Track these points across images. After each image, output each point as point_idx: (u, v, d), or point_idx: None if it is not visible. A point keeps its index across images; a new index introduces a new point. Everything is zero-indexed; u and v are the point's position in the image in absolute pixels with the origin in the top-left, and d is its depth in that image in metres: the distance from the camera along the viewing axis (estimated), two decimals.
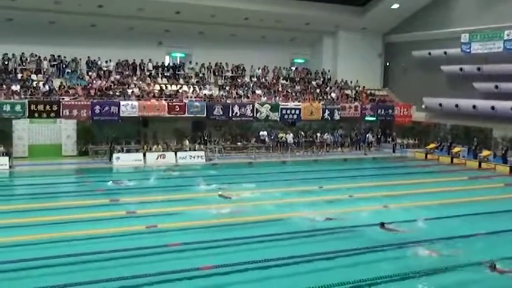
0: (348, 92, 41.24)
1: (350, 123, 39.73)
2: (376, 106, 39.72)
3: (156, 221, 17.37)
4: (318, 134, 37.62)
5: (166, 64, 39.30)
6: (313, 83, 42.02)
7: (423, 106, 39.24)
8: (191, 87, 36.80)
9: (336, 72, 43.18)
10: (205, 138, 34.90)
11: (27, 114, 30.26)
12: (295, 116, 36.92)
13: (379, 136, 40.27)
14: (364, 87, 42.23)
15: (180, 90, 35.81)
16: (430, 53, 38.94)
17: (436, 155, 35.87)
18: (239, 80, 39.74)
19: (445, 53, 37.62)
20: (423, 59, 39.86)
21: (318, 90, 40.50)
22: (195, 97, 35.36)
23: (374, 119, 39.77)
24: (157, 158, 31.60)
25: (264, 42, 41.02)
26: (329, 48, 43.68)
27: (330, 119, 37.84)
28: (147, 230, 16.54)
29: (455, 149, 34.70)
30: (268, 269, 13.15)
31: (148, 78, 36.78)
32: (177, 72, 38.60)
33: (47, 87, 32.38)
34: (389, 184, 25.83)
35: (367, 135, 38.70)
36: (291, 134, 36.57)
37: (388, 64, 44.90)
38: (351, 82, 42.40)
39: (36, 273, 12.55)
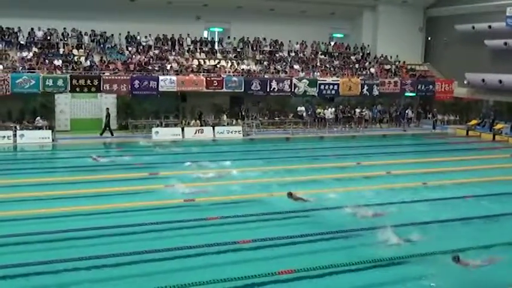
0: (388, 67, 40.57)
1: (389, 99, 39.18)
2: (417, 81, 38.99)
3: (193, 195, 17.57)
4: (357, 110, 37.22)
5: (204, 39, 39.34)
6: (352, 58, 41.47)
7: (465, 82, 38.35)
8: (229, 62, 36.80)
9: (375, 47, 42.46)
10: (243, 113, 34.98)
11: (69, 89, 30.83)
12: (333, 92, 36.60)
13: (419, 112, 39.61)
14: (404, 62, 41.48)
15: (218, 65, 35.86)
16: (473, 27, 37.84)
17: (477, 131, 35.13)
18: (277, 55, 39.51)
19: (490, 26, 36.47)
20: (466, 33, 38.78)
21: (356, 65, 39.98)
22: (233, 72, 35.38)
23: (414, 94, 39.09)
24: (196, 132, 31.87)
25: (303, 17, 40.54)
26: (369, 22, 42.89)
27: (368, 94, 37.39)
28: (185, 203, 16.75)
29: (498, 126, 33.92)
30: (311, 242, 13.23)
31: (186, 53, 36.94)
32: (215, 47, 38.62)
33: (88, 62, 32.87)
34: (428, 161, 25.49)
35: (407, 111, 38.07)
36: (329, 110, 36.29)
37: (429, 38, 43.89)
38: (391, 57, 41.67)
39: (80, 243, 12.89)
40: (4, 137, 28.32)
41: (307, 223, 14.95)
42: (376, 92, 37.43)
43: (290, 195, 16.64)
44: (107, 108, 31.37)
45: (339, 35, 44.79)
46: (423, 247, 12.79)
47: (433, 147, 30.75)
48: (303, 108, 36.47)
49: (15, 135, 28.61)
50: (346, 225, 14.55)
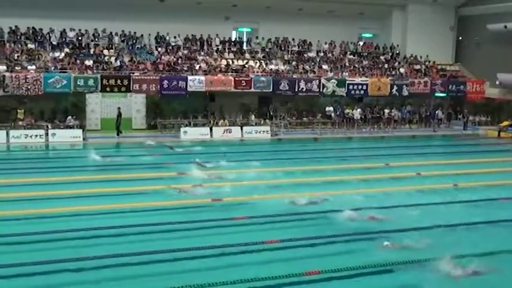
0: (418, 67, 40.13)
1: (419, 99, 38.73)
2: (447, 82, 38.48)
3: (221, 195, 17.62)
4: (386, 110, 36.91)
5: (233, 39, 39.48)
6: (381, 57, 41.13)
7: (497, 82, 37.69)
8: (257, 62, 36.85)
9: (405, 47, 42.03)
10: (271, 113, 34.99)
11: (100, 89, 31.28)
12: (362, 92, 36.37)
13: (449, 113, 39.06)
14: (434, 62, 40.99)
15: (247, 65, 35.94)
16: (505, 26, 37.12)
17: (509, 133, 34.46)
18: (305, 55, 39.43)
19: None
20: (498, 33, 38.08)
21: (386, 65, 39.64)
22: (261, 72, 35.42)
23: (444, 95, 38.59)
24: (224, 132, 32.00)
25: (331, 17, 40.37)
26: (398, 22, 42.47)
27: (398, 94, 37.05)
28: (212, 203, 16.82)
29: None
30: (336, 244, 13.17)
31: (215, 53, 37.11)
32: (243, 47, 38.72)
33: (118, 62, 33.29)
34: (459, 162, 25.12)
35: (437, 112, 37.58)
36: (358, 110, 36.06)
37: (460, 38, 43.25)
38: (421, 57, 41.21)
39: (110, 241, 13.04)
40: (37, 135, 28.88)
41: (332, 224, 14.85)
42: (405, 93, 37.07)
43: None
44: (118, 108, 31.58)
45: (367, 35, 44.47)
46: (452, 249, 12.59)
47: (464, 148, 30.30)
48: (331, 109, 36.33)
49: (47, 134, 29.13)
50: (371, 227, 14.43)
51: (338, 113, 36.17)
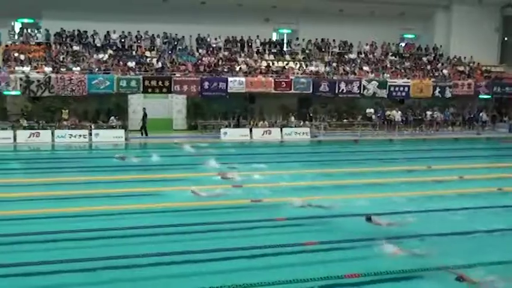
0: (461, 68, 39.38)
1: (462, 101, 38.05)
2: (492, 83, 37.66)
3: (261, 195, 17.63)
4: (428, 112, 36.38)
5: (273, 40, 39.53)
6: (424, 59, 40.56)
7: None
8: (297, 63, 36.82)
9: (448, 48, 41.35)
10: (311, 114, 34.89)
11: (142, 90, 31.80)
12: (403, 93, 35.95)
13: (494, 115, 38.17)
14: (478, 63, 40.14)
15: (287, 67, 35.95)
16: None
17: None
18: (346, 56, 39.19)
19: None
20: None
21: (428, 67, 39.06)
22: (301, 73, 35.36)
23: (489, 97, 37.81)
24: (263, 133, 32.07)
25: (373, 18, 40.05)
26: (442, 22, 41.81)
27: (440, 96, 36.48)
28: (253, 203, 16.83)
29: None
30: (372, 247, 13.00)
31: (255, 55, 37.24)
32: (283, 49, 38.73)
33: (159, 63, 33.76)
34: (504, 166, 24.47)
35: (481, 114, 36.82)
36: (399, 112, 35.64)
37: (506, 39, 42.23)
38: (465, 58, 40.44)
39: (156, 240, 13.20)
40: (80, 135, 29.55)
41: (371, 226, 14.65)
42: (448, 94, 36.45)
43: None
44: (144, 108, 31.92)
45: (410, 36, 43.93)
46: (497, 256, 12.29)
47: (510, 151, 29.52)
48: (372, 110, 36.00)
49: (90, 134, 29.78)
50: (413, 230, 14.19)
51: (379, 114, 35.81)
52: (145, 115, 31.73)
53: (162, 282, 11.02)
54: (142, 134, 31.36)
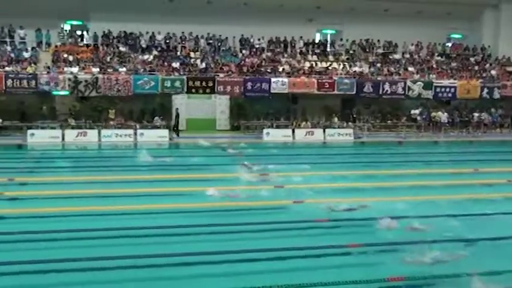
0: (510, 69, 38.36)
1: (511, 103, 36.98)
2: None
3: (303, 196, 17.58)
4: (475, 114, 35.59)
5: (316, 41, 39.38)
6: (471, 59, 39.71)
7: None
8: (341, 64, 36.58)
9: (496, 48, 40.37)
10: (354, 115, 34.60)
11: (186, 90, 32.20)
12: (450, 94, 35.31)
13: None
14: None
15: (330, 67, 35.76)
16: None
17: None
18: (391, 57, 38.72)
19: None
20: None
21: (476, 67, 38.19)
22: (344, 74, 35.12)
23: None
24: (306, 134, 31.98)
25: (418, 17, 39.40)
26: (490, 22, 40.83)
27: (488, 97, 35.67)
28: (294, 204, 16.79)
29: None
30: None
31: (298, 55, 37.20)
32: (327, 49, 38.54)
33: (203, 64, 34.11)
34: None
35: None
36: (445, 113, 34.96)
37: None
38: None
39: (199, 239, 13.34)
40: (126, 135, 30.11)
41: (415, 229, 14.42)
42: (497, 95, 35.60)
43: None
44: (176, 109, 32.15)
45: (456, 36, 43.06)
46: None
47: None
48: (416, 112, 35.44)
49: (135, 134, 30.31)
50: (458, 233, 13.90)
51: (424, 116, 35.22)
52: (177, 115, 32.09)
53: (212, 280, 11.11)
54: (177, 135, 31.73)
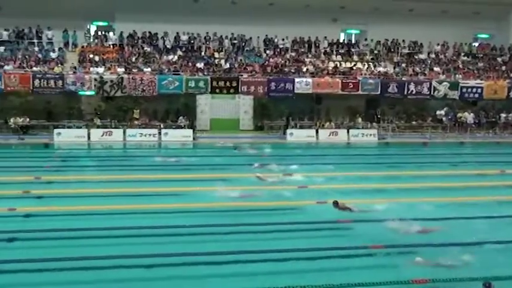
0: None
1: None
2: None
3: (326, 197, 17.49)
4: (502, 115, 35.03)
5: (341, 41, 39.22)
6: (498, 59, 39.11)
7: None
8: (365, 64, 36.36)
9: None
10: (379, 116, 34.36)
11: (209, 90, 32.34)
12: (476, 95, 34.82)
13: None
14: None
15: (354, 68, 35.56)
16: None
17: None
18: (416, 57, 38.36)
19: None
20: None
21: (503, 67, 37.59)
22: (369, 74, 34.90)
23: None
24: (330, 134, 31.87)
25: (444, 17, 38.94)
26: None
27: None
28: (318, 205, 16.73)
29: None
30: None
31: (322, 56, 37.08)
32: (351, 49, 38.34)
33: (227, 64, 34.21)
34: None
35: None
36: (471, 114, 34.49)
37: None
38: None
39: (227, 238, 13.38)
40: (150, 134, 30.36)
41: (438, 231, 14.26)
42: None
43: (336, 204, 15.29)
44: None
45: (483, 36, 42.44)
46: None
47: None
48: (442, 112, 35.02)
49: (159, 134, 30.54)
50: (482, 236, 13.71)
51: (450, 116, 34.80)
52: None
53: (240, 279, 11.15)
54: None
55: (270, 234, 13.87)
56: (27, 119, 31.18)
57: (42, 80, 31.30)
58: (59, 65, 32.97)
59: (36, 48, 34.63)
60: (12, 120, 30.92)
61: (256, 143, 30.17)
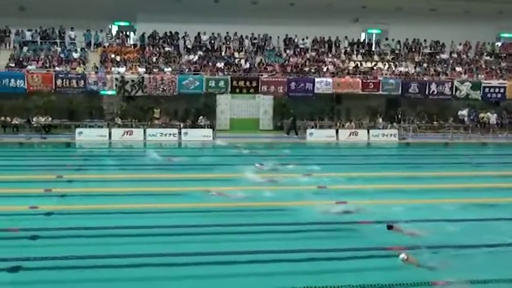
0: None
1: None
2: None
3: (345, 197, 17.43)
4: None
5: (361, 41, 39.02)
6: None
7: None
8: (386, 64, 36.12)
9: None
10: (399, 116, 34.12)
11: (230, 90, 32.41)
12: (499, 95, 34.40)
13: None
14: None
15: (375, 68, 35.35)
16: None
17: None
18: (437, 57, 37.99)
19: None
20: None
21: None
22: (390, 74, 34.67)
23: None
24: (350, 135, 31.72)
25: (467, 16, 38.45)
26: None
27: None
28: (337, 205, 16.66)
29: None
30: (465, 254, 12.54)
31: (343, 55, 36.91)
32: (372, 49, 38.13)
33: (247, 64, 34.24)
34: None
35: None
36: (494, 114, 34.04)
37: None
38: None
39: (243, 238, 13.43)
40: (170, 134, 30.52)
41: (459, 232, 14.10)
42: None
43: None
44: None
45: (506, 35, 41.82)
46: None
47: None
48: (464, 112, 34.61)
49: (180, 133, 30.68)
50: (502, 236, 13.53)
51: (472, 117, 34.40)
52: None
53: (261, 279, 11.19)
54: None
55: (290, 234, 13.89)
56: (50, 118, 31.57)
57: (64, 80, 31.67)
58: (81, 65, 33.31)
59: (59, 49, 35.03)
60: (35, 119, 31.35)
61: (275, 143, 30.22)
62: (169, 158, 24.59)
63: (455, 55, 38.51)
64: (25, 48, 34.56)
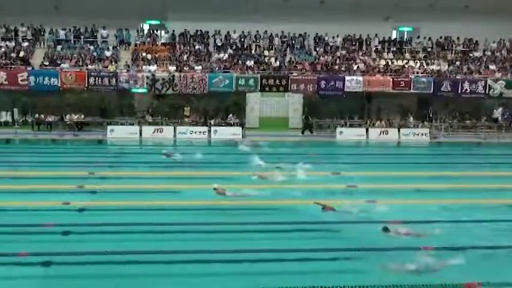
0: None
1: None
2: None
3: (375, 197, 17.29)
4: None
5: (392, 39, 38.64)
6: None
7: None
8: (418, 62, 35.68)
9: None
10: (431, 115, 33.68)
11: (259, 88, 32.45)
12: None
13: None
14: None
15: (406, 66, 34.97)
16: None
17: None
18: (471, 55, 37.34)
19: None
20: None
21: None
22: (421, 72, 34.25)
23: None
24: (380, 133, 31.46)
25: (501, 13, 37.60)
26: None
27: None
28: (366, 204, 16.55)
29: None
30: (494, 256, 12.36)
31: (373, 53, 36.60)
32: (403, 47, 37.70)
33: (277, 62, 34.22)
34: None
35: None
36: None
37: None
38: None
39: (260, 236, 13.47)
40: (200, 132, 30.74)
41: (494, 233, 13.87)
42: None
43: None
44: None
45: None
46: None
47: None
48: (498, 112, 33.97)
49: (209, 131, 30.86)
50: None
51: (506, 116, 33.75)
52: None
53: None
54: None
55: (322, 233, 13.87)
56: (82, 116, 32.09)
57: (96, 78, 32.13)
58: (113, 63, 33.74)
59: (92, 47, 35.55)
60: (68, 116, 31.91)
61: (305, 141, 30.15)
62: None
63: (488, 53, 37.81)
64: (59, 47, 35.16)
